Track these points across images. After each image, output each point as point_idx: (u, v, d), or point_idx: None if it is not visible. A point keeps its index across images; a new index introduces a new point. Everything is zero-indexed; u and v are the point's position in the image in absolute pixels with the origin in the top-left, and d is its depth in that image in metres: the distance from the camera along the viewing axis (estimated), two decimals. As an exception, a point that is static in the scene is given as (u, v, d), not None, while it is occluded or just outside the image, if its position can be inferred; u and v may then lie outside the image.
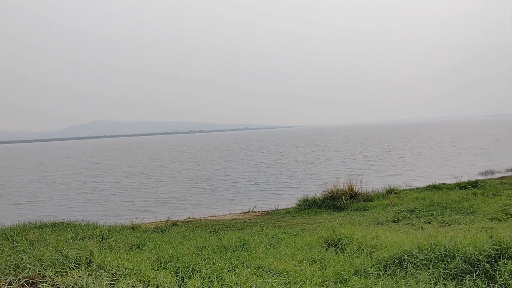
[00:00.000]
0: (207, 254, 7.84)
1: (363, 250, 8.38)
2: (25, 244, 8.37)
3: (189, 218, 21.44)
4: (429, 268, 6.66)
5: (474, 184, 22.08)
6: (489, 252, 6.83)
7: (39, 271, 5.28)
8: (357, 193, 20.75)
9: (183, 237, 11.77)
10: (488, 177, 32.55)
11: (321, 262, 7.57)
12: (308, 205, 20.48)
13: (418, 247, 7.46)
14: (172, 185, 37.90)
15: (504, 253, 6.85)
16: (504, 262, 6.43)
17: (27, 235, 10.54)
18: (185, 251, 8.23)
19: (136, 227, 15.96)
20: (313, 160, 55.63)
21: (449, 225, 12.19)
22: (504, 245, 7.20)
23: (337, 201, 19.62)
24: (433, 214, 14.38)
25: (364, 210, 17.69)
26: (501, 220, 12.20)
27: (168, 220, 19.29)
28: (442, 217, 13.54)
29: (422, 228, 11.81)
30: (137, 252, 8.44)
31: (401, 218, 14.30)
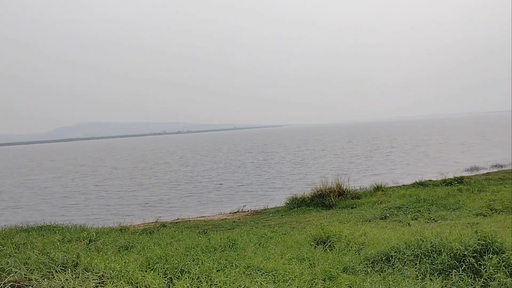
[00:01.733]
0: (196, 255, 7.82)
1: (351, 247, 8.45)
2: (10, 247, 8.26)
3: (178, 219, 21.35)
4: (416, 264, 6.74)
5: (460, 180, 22.38)
6: (475, 247, 6.93)
7: (25, 274, 5.20)
8: (345, 191, 20.89)
9: (171, 238, 11.71)
10: (474, 173, 33.04)
11: (310, 260, 7.61)
12: (297, 204, 20.55)
13: (405, 243, 7.54)
14: (159, 187, 37.59)
15: (489, 248, 6.96)
16: (489, 256, 6.53)
17: (13, 238, 10.40)
18: (173, 252, 8.19)
19: (124, 229, 15.85)
20: (302, 160, 55.83)
21: (435, 221, 12.35)
22: (489, 240, 7.31)
23: (325, 199, 19.74)
24: (419, 211, 14.55)
25: (352, 208, 17.83)
26: (486, 216, 12.40)
27: (156, 222, 19.19)
28: (429, 213, 13.72)
29: (409, 224, 11.95)
30: (125, 254, 8.38)
31: (388, 215, 14.45)
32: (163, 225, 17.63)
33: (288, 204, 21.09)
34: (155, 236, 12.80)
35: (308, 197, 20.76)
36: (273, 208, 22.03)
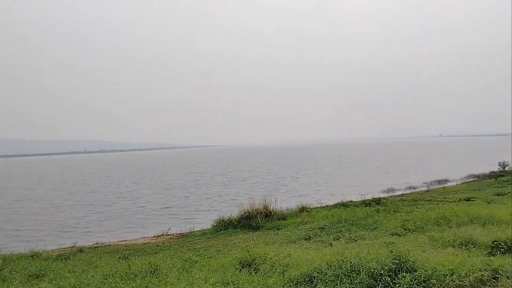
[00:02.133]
0: (115, 282, 7.37)
1: (276, 269, 8.47)
2: None
3: (97, 243, 20.16)
4: (336, 284, 6.91)
5: (378, 201, 23.63)
6: (390, 266, 7.30)
7: None
8: (272, 212, 21.12)
9: (88, 265, 10.98)
10: (390, 194, 35.27)
11: (234, 284, 7.50)
12: (224, 226, 20.37)
13: (327, 263, 7.73)
14: (77, 209, 35.35)
15: (403, 266, 7.37)
16: (403, 275, 6.89)
17: None
18: (89, 280, 7.66)
19: (36, 255, 14.62)
20: (230, 181, 55.85)
21: (355, 241, 12.83)
22: (403, 259, 7.74)
23: (252, 221, 19.78)
24: (341, 231, 15.08)
25: (278, 229, 18.01)
26: (400, 235, 13.13)
27: (73, 247, 17.94)
28: (349, 234, 14.25)
29: (331, 244, 12.29)
30: (35, 283, 7.70)
31: (312, 235, 14.79)
32: (80, 250, 16.52)
33: (215, 226, 20.84)
34: (71, 263, 11.93)
35: (235, 219, 20.68)
36: (199, 230, 21.66)
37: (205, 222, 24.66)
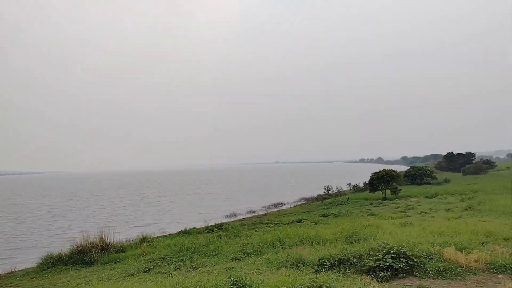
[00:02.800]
0: None
1: (108, 308, 7.77)
2: None
3: None
4: (174, 317, 6.64)
5: (220, 227, 24.14)
6: (228, 292, 7.37)
7: None
8: (109, 245, 19.64)
9: None
10: (232, 219, 36.48)
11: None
12: (53, 263, 18.09)
13: (165, 296, 7.41)
14: None
15: (241, 290, 7.53)
16: (240, 300, 7.00)
17: None
18: None
19: None
20: (61, 212, 50.52)
21: (196, 269, 12.73)
22: (241, 283, 7.91)
23: (86, 256, 18.05)
24: (182, 260, 14.82)
25: (115, 263, 16.79)
26: (240, 259, 13.52)
27: None
28: (191, 262, 14.08)
29: (170, 275, 11.94)
30: None
31: (152, 266, 14.17)
32: None
33: (42, 264, 18.37)
34: None
35: (66, 254, 18.60)
36: (22, 270, 18.86)
37: (30, 259, 21.64)
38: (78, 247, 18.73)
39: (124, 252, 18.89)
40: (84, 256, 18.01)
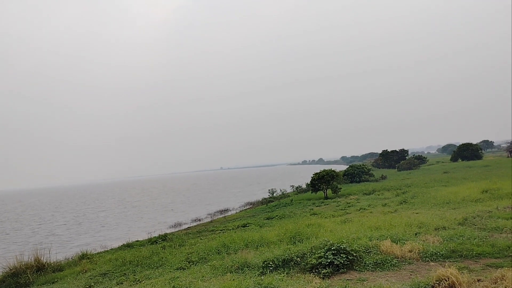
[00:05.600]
0: None
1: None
2: None
3: None
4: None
5: (164, 237, 23.63)
6: (172, 302, 7.23)
7: None
8: (46, 265, 18.57)
9: None
10: (177, 229, 35.83)
11: None
12: (-17, 289, 16.83)
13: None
14: None
15: (184, 300, 7.42)
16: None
17: None
18: None
19: None
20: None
21: (140, 282, 12.36)
22: (185, 292, 7.79)
23: (21, 278, 16.95)
24: (125, 274, 14.33)
25: (53, 283, 15.88)
26: (185, 269, 13.32)
27: None
28: (134, 275, 13.65)
29: (112, 291, 11.52)
30: None
31: (93, 283, 13.57)
32: None
33: (-31, 291, 17.00)
34: None
35: (-3, 278, 17.35)
36: None
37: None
38: (11, 270, 17.55)
39: (62, 271, 17.96)
40: (18, 279, 16.91)
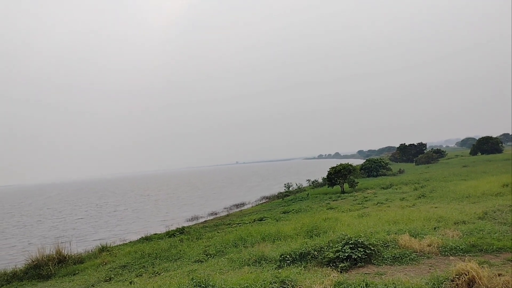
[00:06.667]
0: None
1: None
2: None
3: None
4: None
5: (181, 231, 23.89)
6: (191, 293, 7.35)
7: None
8: (67, 257, 18.99)
9: None
10: (194, 222, 36.15)
11: None
12: (7, 280, 17.30)
13: (127, 303, 7.28)
14: None
15: (203, 291, 7.53)
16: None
17: None
18: None
19: None
20: (18, 223, 48.18)
21: (159, 274, 12.56)
22: (203, 284, 7.91)
23: (43, 269, 17.36)
24: (144, 266, 14.58)
25: (74, 275, 16.25)
26: (202, 261, 13.47)
27: None
28: (153, 268, 13.88)
29: (131, 283, 11.72)
30: None
31: (113, 275, 13.84)
32: None
33: (-6, 282, 17.50)
34: None
35: (21, 270, 17.83)
36: (-28, 291, 17.82)
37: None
38: (33, 261, 17.98)
39: (83, 263, 18.35)
40: (41, 270, 17.31)
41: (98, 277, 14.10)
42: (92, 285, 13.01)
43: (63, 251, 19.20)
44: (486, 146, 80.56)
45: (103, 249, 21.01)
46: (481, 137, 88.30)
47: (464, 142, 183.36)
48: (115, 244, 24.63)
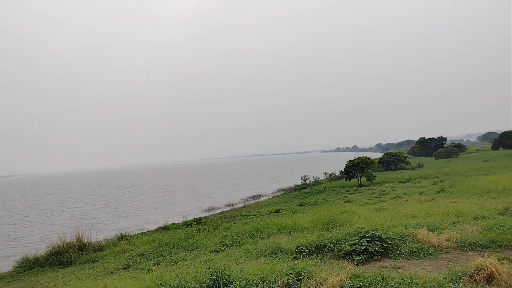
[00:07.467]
0: None
1: (88, 307, 7.74)
2: None
3: None
4: (154, 311, 6.68)
5: (199, 221, 24.15)
6: (208, 282, 7.47)
7: None
8: (87, 244, 19.44)
9: None
10: (211, 213, 36.47)
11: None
12: (29, 266, 17.82)
13: (146, 291, 7.43)
14: None
15: (220, 281, 7.61)
16: (220, 289, 7.09)
17: None
18: None
19: None
20: (36, 216, 49.39)
21: (176, 263, 12.75)
22: (220, 274, 7.99)
23: (64, 256, 17.82)
24: (162, 255, 14.81)
25: (94, 262, 16.64)
26: (219, 251, 13.62)
27: None
28: (170, 256, 14.09)
29: (149, 271, 11.93)
30: None
31: (132, 263, 14.11)
32: None
33: (17, 267, 18.05)
34: None
35: (42, 256, 18.32)
36: (-4, 274, 18.42)
37: (4, 265, 21.14)
38: (54, 248, 18.45)
39: (102, 251, 18.74)
40: (62, 257, 17.77)
41: (117, 265, 14.40)
42: (111, 273, 13.28)
43: (83, 238, 19.66)
44: (509, 140, 78.74)
45: (121, 237, 21.41)
46: (503, 131, 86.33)
47: (486, 137, 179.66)
48: (134, 233, 25.03)
